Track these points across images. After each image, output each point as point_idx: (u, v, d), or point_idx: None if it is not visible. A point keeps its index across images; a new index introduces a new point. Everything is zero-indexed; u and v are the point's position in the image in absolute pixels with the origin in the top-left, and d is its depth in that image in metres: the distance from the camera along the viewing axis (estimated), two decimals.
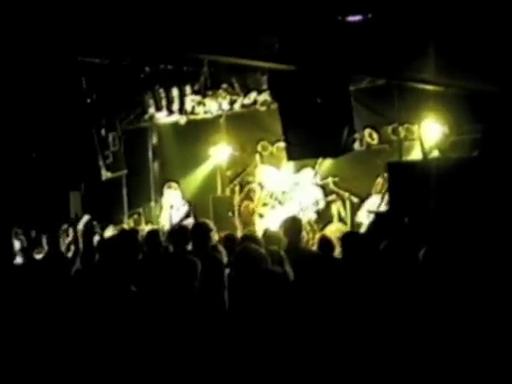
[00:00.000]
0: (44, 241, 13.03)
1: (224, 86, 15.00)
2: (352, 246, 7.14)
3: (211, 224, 8.28)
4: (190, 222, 14.46)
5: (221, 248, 7.99)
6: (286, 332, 5.11)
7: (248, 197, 15.46)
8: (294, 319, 5.25)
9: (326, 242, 8.37)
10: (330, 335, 5.39)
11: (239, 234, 12.74)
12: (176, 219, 15.60)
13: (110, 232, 14.59)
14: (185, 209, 15.94)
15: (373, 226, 9.25)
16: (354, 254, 6.96)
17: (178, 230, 8.79)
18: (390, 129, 14.11)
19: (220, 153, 16.33)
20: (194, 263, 6.11)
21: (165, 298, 5.89)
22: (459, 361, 5.15)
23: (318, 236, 9.84)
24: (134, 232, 10.10)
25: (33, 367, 6.04)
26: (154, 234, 9.05)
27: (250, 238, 8.27)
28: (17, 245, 12.41)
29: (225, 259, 7.65)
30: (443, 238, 7.12)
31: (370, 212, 13.39)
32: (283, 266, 6.71)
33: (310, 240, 11.63)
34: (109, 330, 5.94)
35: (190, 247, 8.37)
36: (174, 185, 16.59)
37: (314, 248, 9.16)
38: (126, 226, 15.40)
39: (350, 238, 7.61)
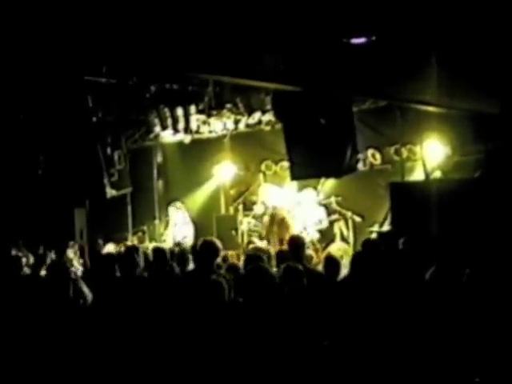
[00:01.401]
0: (49, 257, 13.08)
1: (228, 105, 15.11)
2: (361, 265, 7.16)
3: (219, 243, 8.25)
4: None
5: (223, 268, 8.03)
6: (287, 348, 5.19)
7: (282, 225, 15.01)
8: (295, 336, 5.33)
9: (331, 261, 8.41)
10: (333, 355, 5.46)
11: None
12: (179, 237, 15.69)
13: (110, 248, 14.64)
14: (189, 228, 16.03)
15: (375, 245, 9.31)
16: (363, 273, 6.98)
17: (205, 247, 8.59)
18: (392, 149, 14.21)
19: (224, 172, 16.42)
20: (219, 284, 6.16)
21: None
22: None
23: (323, 255, 9.88)
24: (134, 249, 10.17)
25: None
26: (160, 251, 9.05)
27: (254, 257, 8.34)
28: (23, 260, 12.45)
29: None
30: (446, 258, 7.16)
31: (372, 232, 13.49)
32: None
33: (314, 259, 11.65)
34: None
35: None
36: (178, 204, 16.68)
37: (319, 267, 9.19)
38: (129, 243, 15.43)
39: (360, 257, 7.63)
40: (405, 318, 5.81)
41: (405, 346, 5.58)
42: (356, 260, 7.33)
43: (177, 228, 16.37)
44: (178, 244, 13.29)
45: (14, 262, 8.88)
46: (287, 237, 10.40)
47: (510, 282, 6.15)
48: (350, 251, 13.27)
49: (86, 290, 7.09)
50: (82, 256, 12.97)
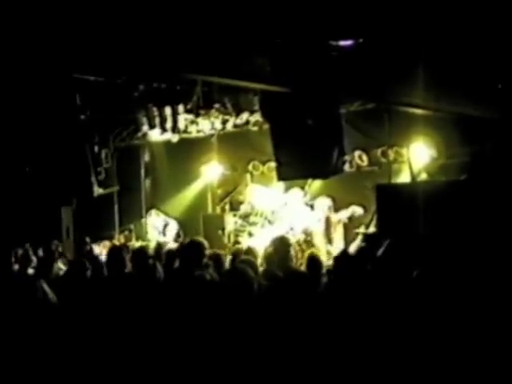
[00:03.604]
0: (31, 255, 13.03)
1: (217, 105, 15.14)
2: (343, 265, 7.20)
3: (205, 242, 8.26)
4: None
5: (209, 267, 8.04)
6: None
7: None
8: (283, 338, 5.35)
9: (313, 260, 8.45)
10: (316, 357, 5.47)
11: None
12: (167, 237, 15.75)
13: (100, 247, 14.65)
14: (174, 229, 16.08)
15: (361, 246, 9.36)
16: (345, 273, 7.02)
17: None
18: (379, 151, 14.26)
19: (211, 171, 16.47)
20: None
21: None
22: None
23: (306, 254, 9.90)
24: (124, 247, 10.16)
25: None
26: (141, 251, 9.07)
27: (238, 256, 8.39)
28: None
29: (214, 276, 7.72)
30: (432, 260, 7.20)
31: (358, 233, 13.53)
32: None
33: (299, 259, 11.67)
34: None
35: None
36: (153, 212, 16.80)
37: (303, 267, 9.22)
38: (116, 242, 15.44)
39: (342, 257, 7.68)
40: (389, 320, 5.84)
41: (392, 347, 5.60)
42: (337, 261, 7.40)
43: (160, 230, 16.45)
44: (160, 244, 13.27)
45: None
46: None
47: (497, 282, 6.21)
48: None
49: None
50: (63, 255, 12.99)
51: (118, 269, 7.99)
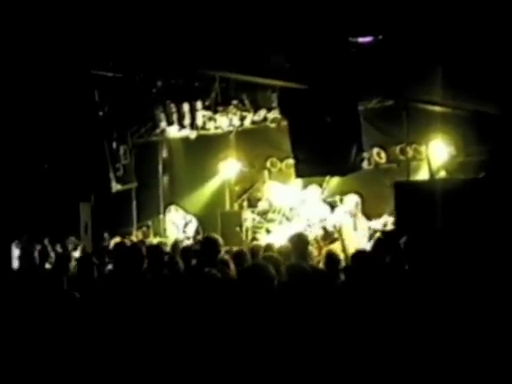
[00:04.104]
0: (50, 250, 13.12)
1: (234, 102, 15.10)
2: (361, 264, 7.17)
3: (220, 239, 8.30)
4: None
5: (231, 264, 8.04)
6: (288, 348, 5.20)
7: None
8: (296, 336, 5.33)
9: (332, 258, 8.43)
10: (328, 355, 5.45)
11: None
12: (186, 234, 15.76)
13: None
14: (194, 225, 16.07)
15: (379, 244, 9.33)
16: (362, 271, 6.99)
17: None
18: (397, 149, 14.20)
19: (229, 168, 16.47)
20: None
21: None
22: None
23: (324, 252, 9.89)
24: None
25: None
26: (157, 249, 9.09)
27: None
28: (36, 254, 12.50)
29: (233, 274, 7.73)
30: (450, 258, 7.17)
31: (376, 231, 13.48)
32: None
33: (316, 256, 11.65)
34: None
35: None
36: (173, 207, 16.77)
37: (321, 264, 9.21)
38: (134, 238, 15.47)
39: (360, 255, 7.65)
40: (407, 318, 5.82)
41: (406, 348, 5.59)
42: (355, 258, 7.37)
43: (180, 227, 16.43)
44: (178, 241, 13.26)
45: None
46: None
47: None
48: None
49: None
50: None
51: (133, 266, 8.01)
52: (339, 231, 13.49)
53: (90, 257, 8.72)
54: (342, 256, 9.68)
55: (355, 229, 14.01)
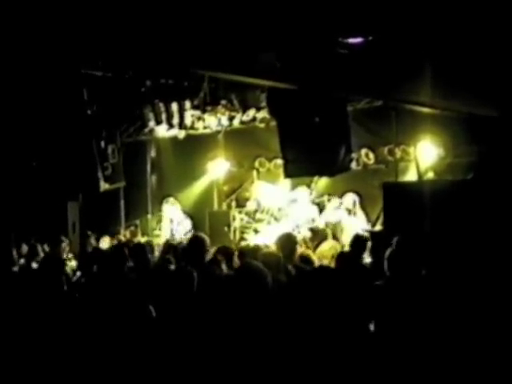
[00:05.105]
0: (40, 249, 13.05)
1: (223, 102, 15.11)
2: (345, 264, 7.21)
3: (207, 238, 8.31)
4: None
5: (222, 263, 8.05)
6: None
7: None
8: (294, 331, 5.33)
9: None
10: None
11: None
12: (179, 233, 15.68)
13: (105, 243, 14.65)
14: (188, 223, 15.99)
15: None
16: (347, 271, 7.02)
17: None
18: (386, 149, 14.22)
19: (217, 168, 16.44)
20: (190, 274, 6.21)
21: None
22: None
23: (316, 254, 9.94)
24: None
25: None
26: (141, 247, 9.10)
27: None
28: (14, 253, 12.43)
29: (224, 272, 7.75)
30: (439, 259, 7.19)
31: (364, 231, 13.48)
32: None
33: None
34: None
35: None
36: (171, 200, 16.65)
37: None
38: (122, 238, 15.43)
39: (344, 257, 7.70)
40: (398, 320, 5.83)
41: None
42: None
43: (175, 223, 16.33)
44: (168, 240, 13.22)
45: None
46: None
47: (504, 282, 6.20)
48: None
49: None
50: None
51: (119, 265, 8.01)
52: (333, 228, 13.54)
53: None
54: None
55: (353, 226, 14.03)
